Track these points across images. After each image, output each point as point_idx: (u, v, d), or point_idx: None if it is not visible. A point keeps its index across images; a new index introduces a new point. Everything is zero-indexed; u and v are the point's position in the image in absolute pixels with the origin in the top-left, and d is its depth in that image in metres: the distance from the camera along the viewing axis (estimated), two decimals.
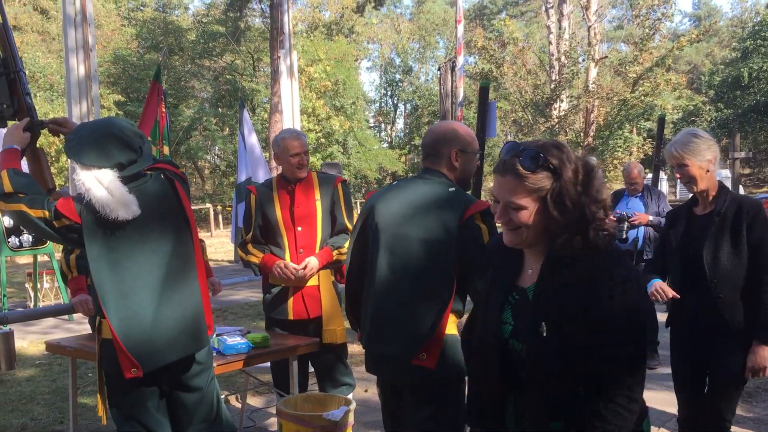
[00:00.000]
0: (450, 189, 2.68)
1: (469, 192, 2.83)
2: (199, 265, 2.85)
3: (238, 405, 4.91)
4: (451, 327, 2.63)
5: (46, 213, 2.60)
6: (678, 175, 3.17)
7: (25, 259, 13.66)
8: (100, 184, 2.56)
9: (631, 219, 6.01)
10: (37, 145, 2.96)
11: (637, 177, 6.33)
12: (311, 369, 4.32)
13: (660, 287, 3.34)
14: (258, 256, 4.06)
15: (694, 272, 3.11)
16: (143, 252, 2.68)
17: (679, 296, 3.26)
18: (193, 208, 3.03)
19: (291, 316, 4.03)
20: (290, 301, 4.04)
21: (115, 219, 2.57)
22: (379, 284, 2.65)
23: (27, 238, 8.75)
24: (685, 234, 3.18)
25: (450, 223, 2.57)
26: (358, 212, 2.97)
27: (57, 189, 3.03)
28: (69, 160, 2.91)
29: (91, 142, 2.64)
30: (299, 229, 4.01)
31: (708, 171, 3.05)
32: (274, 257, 4.03)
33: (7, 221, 8.51)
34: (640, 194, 6.31)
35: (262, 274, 4.16)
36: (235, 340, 3.55)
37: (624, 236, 6.08)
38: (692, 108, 31.79)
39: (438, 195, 2.66)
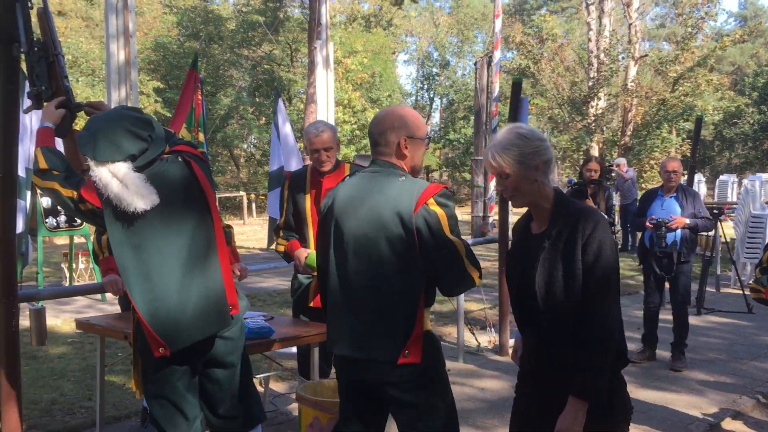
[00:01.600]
0: (400, 179, 2.56)
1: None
2: (220, 245, 2.87)
3: (261, 389, 4.98)
4: (427, 322, 2.60)
5: (74, 194, 2.68)
6: (498, 188, 2.75)
7: (62, 239, 13.96)
8: (114, 177, 2.61)
9: (668, 224, 5.95)
10: (74, 127, 3.04)
11: (678, 170, 6.19)
12: None
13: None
14: (283, 245, 4.12)
15: (529, 304, 2.47)
16: (165, 235, 2.73)
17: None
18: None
19: (312, 303, 4.09)
20: (313, 288, 4.10)
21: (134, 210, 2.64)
22: (351, 289, 2.58)
23: (64, 218, 8.95)
24: (521, 257, 2.51)
25: (405, 215, 2.47)
26: None
27: None
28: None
29: (102, 137, 2.68)
30: None
31: (536, 181, 2.41)
32: (298, 245, 4.09)
33: (45, 202, 8.72)
34: (674, 195, 6.20)
35: (288, 261, 4.21)
36: (258, 325, 3.60)
37: (663, 243, 6.00)
38: (733, 110, 31.14)
39: (390, 188, 2.54)
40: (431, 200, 2.48)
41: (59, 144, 3.04)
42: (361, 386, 2.66)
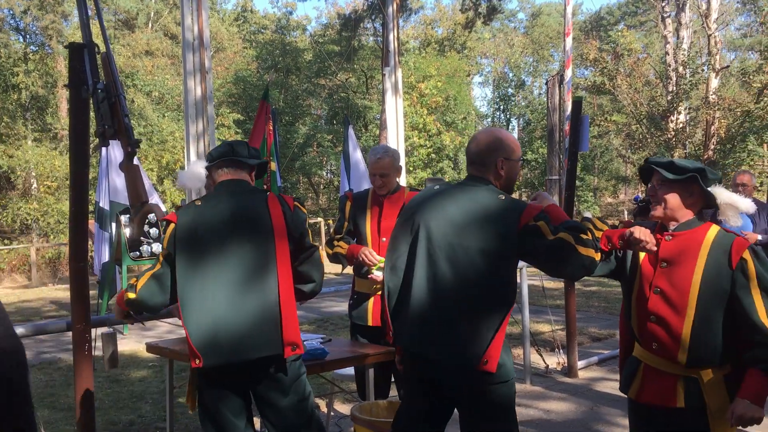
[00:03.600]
0: (500, 197, 2.72)
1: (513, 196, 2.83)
2: (283, 276, 2.97)
3: (325, 411, 5.09)
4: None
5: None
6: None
7: None
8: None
9: None
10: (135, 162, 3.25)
11: (748, 183, 6.00)
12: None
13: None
14: (344, 247, 4.26)
15: None
16: (219, 254, 2.95)
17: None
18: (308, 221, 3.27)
19: (370, 322, 4.18)
20: (370, 307, 4.19)
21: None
22: (438, 292, 2.69)
23: (146, 249, 9.37)
24: None
25: (509, 232, 2.61)
26: None
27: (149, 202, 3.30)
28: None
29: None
30: (383, 239, 4.15)
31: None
32: (360, 246, 4.21)
33: (129, 232, 9.14)
34: None
35: (350, 264, 4.31)
36: (313, 347, 3.70)
37: None
38: None
39: (490, 203, 2.70)
40: (532, 219, 2.62)
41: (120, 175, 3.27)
42: (433, 385, 2.78)
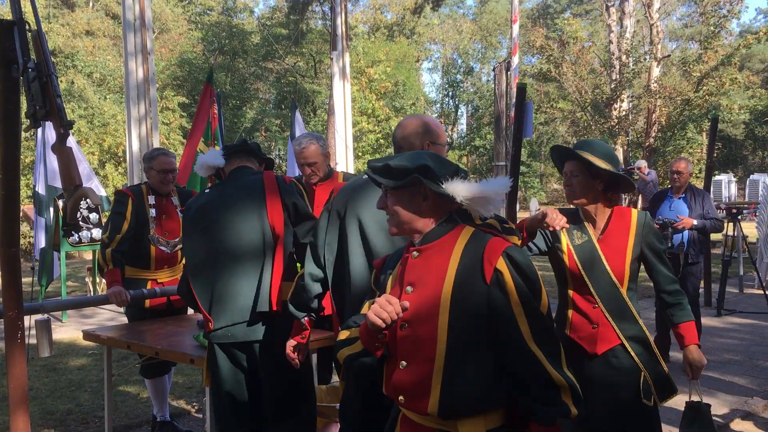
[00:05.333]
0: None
1: None
2: (278, 251, 3.29)
3: None
4: None
5: None
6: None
7: (91, 254, 14.23)
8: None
9: (674, 224, 5.91)
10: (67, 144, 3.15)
11: (683, 171, 6.15)
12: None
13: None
14: None
15: None
16: (220, 229, 3.30)
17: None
18: None
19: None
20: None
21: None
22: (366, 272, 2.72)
23: (86, 234, 9.14)
24: None
25: None
26: None
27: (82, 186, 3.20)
28: None
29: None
30: None
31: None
32: None
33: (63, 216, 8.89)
34: (683, 195, 6.17)
35: None
36: None
37: (669, 244, 5.96)
38: (761, 108, 30.61)
39: None
40: None
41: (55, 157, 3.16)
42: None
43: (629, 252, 2.88)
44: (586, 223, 2.96)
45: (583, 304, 2.91)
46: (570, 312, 2.95)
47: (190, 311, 5.06)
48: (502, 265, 1.92)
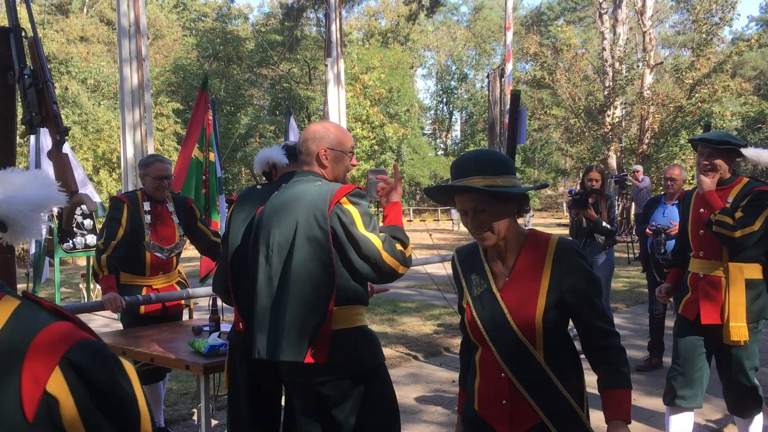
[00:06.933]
0: (316, 183, 2.67)
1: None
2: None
3: None
4: (357, 318, 2.66)
5: None
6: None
7: (86, 260, 14.21)
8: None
9: (667, 230, 5.93)
10: (64, 151, 3.16)
11: (677, 177, 6.18)
12: None
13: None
14: None
15: None
16: (261, 231, 2.90)
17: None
18: None
19: None
20: None
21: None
22: (274, 292, 2.67)
23: (80, 240, 9.13)
24: None
25: (320, 215, 2.57)
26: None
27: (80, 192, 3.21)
28: None
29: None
30: None
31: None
32: None
33: (59, 223, 8.89)
34: (676, 202, 6.20)
35: None
36: (217, 341, 3.58)
37: (662, 249, 5.99)
38: (753, 114, 30.82)
39: (307, 192, 2.65)
40: (344, 199, 2.57)
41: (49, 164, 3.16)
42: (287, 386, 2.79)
43: (541, 299, 2.11)
44: (489, 264, 2.22)
45: (490, 372, 2.19)
46: (477, 382, 2.23)
47: (186, 317, 5.06)
48: None
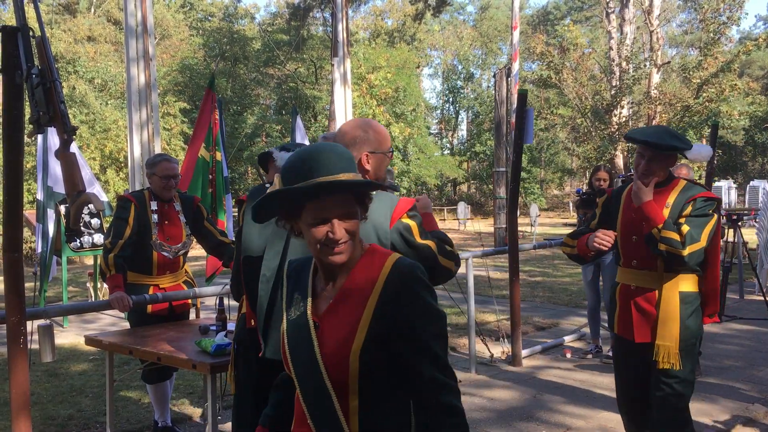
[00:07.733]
0: (371, 194, 2.64)
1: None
2: None
3: None
4: None
5: None
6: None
7: (93, 259, 14.25)
8: None
9: None
10: (71, 150, 3.17)
11: (685, 177, 6.15)
12: None
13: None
14: None
15: None
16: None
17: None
18: None
19: None
20: None
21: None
22: None
23: (87, 239, 9.16)
24: None
25: (381, 230, 2.51)
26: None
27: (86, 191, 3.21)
28: None
29: None
30: None
31: None
32: None
33: (66, 222, 8.91)
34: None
35: None
36: (224, 340, 3.57)
37: None
38: (760, 114, 30.70)
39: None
40: (405, 215, 2.57)
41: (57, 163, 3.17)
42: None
43: (360, 334, 1.62)
44: (314, 283, 1.77)
45: (301, 419, 1.72)
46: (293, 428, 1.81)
47: (193, 317, 5.07)
48: None
